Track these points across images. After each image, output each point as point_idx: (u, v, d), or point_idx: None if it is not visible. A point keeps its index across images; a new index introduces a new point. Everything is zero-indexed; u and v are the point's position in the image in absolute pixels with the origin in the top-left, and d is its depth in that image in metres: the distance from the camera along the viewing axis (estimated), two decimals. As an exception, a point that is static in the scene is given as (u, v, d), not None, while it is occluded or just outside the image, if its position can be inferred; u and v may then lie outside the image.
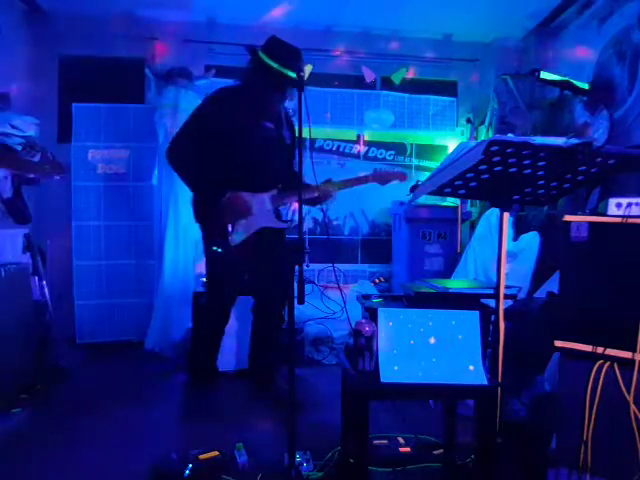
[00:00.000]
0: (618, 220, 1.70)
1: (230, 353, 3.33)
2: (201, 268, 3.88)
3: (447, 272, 3.97)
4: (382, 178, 2.98)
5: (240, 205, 2.68)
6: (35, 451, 2.31)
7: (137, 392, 3.08)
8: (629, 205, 1.73)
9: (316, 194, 2.61)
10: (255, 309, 3.00)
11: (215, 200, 2.65)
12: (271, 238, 2.80)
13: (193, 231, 3.35)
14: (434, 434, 2.37)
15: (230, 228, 2.67)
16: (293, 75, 2.57)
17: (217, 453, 2.17)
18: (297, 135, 2.53)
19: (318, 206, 2.88)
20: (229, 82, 4.42)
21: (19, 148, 3.06)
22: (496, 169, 1.83)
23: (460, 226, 4.12)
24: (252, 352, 3.05)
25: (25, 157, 3.09)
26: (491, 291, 2.01)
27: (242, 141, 2.66)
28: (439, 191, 2.04)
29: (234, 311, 3.03)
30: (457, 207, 4.10)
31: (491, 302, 2.01)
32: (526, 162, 1.80)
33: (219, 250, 2.67)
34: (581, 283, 1.77)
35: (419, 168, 4.78)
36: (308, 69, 4.35)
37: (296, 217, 1.99)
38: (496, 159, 1.76)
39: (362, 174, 3.08)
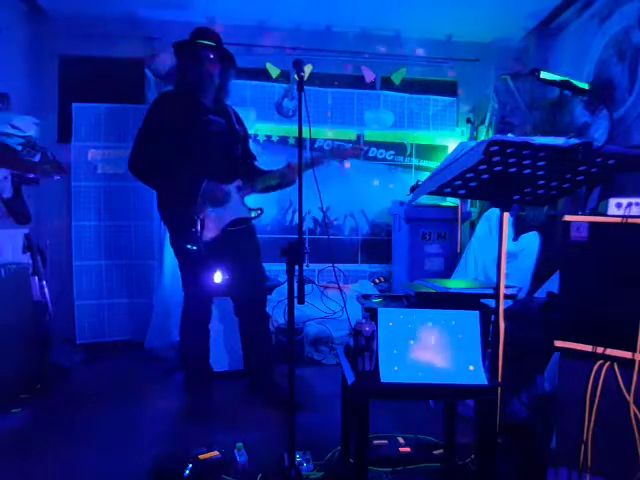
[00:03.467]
0: (618, 220, 1.70)
1: (229, 353, 3.33)
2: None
3: (447, 272, 3.97)
4: (338, 155, 2.94)
5: (218, 192, 2.68)
6: (35, 451, 2.32)
7: (137, 392, 3.08)
8: (629, 205, 1.73)
9: (276, 181, 2.79)
10: (237, 311, 2.99)
11: (194, 194, 2.62)
12: (241, 236, 2.80)
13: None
14: (434, 434, 2.37)
15: (199, 226, 2.64)
16: (202, 41, 2.71)
17: (217, 453, 2.17)
18: (240, 128, 2.88)
19: (279, 190, 2.93)
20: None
21: (19, 148, 3.06)
22: (496, 169, 1.83)
23: (460, 226, 4.12)
24: (245, 354, 3.05)
25: (25, 157, 3.09)
26: (491, 291, 2.01)
27: (197, 136, 2.68)
28: (439, 191, 2.04)
29: (233, 311, 3.03)
30: (457, 207, 4.10)
31: (491, 302, 2.01)
32: (526, 162, 1.80)
33: (194, 248, 2.63)
34: (581, 283, 1.77)
35: (419, 168, 4.79)
36: (308, 69, 4.36)
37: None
38: (496, 159, 1.76)
39: (316, 154, 3.08)
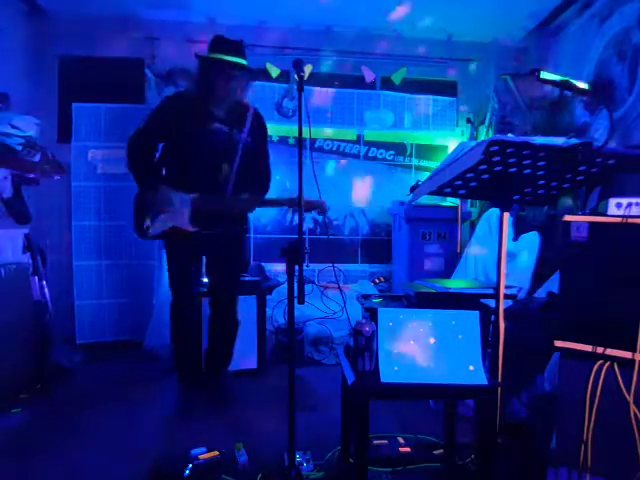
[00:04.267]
0: (618, 220, 1.70)
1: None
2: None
3: (447, 272, 3.97)
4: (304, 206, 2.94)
5: (159, 200, 2.74)
6: (35, 451, 2.32)
7: (137, 392, 3.08)
8: (629, 205, 1.73)
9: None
10: (210, 308, 3.03)
11: (147, 188, 2.80)
12: (219, 240, 2.80)
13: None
14: (434, 434, 2.37)
15: (149, 221, 2.80)
16: (233, 59, 2.67)
17: (217, 453, 2.17)
18: (262, 137, 2.96)
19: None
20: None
21: (19, 148, 3.06)
22: (496, 169, 1.83)
23: (460, 226, 4.12)
24: (207, 351, 3.06)
25: (25, 157, 3.09)
26: (491, 291, 2.01)
27: (184, 142, 2.74)
28: (439, 191, 2.04)
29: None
30: (457, 207, 4.10)
31: (491, 302, 2.01)
32: (526, 162, 1.80)
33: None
34: (581, 283, 1.77)
35: (419, 168, 4.78)
36: (308, 69, 4.36)
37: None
38: (496, 159, 1.76)
39: (284, 198, 3.05)
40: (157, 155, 2.88)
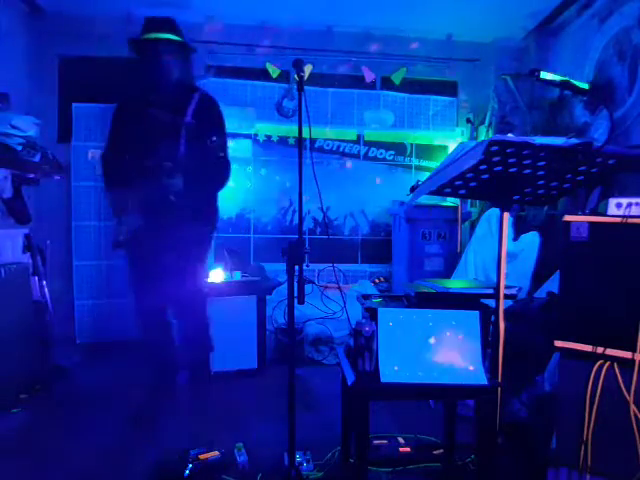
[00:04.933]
0: (618, 220, 1.70)
1: (230, 353, 3.33)
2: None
3: (447, 272, 3.97)
4: None
5: (123, 199, 2.52)
6: (35, 451, 2.32)
7: (136, 392, 3.08)
8: (629, 205, 1.73)
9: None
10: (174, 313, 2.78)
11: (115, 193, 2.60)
12: (172, 234, 2.54)
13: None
14: (434, 434, 2.37)
15: (118, 225, 2.56)
16: (158, 35, 2.50)
17: (217, 453, 2.17)
18: (214, 123, 2.63)
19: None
20: (229, 82, 4.51)
21: (19, 148, 3.06)
22: (496, 169, 1.83)
23: (460, 226, 4.12)
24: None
25: (25, 157, 3.09)
26: (491, 291, 2.01)
27: (127, 132, 2.57)
28: (439, 191, 2.04)
29: (233, 310, 3.02)
30: (457, 207, 4.10)
31: (491, 302, 2.01)
32: (526, 162, 1.80)
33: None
34: (581, 283, 1.77)
35: (419, 168, 4.79)
36: (308, 69, 4.36)
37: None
38: (496, 159, 1.76)
39: None
40: None
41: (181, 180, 2.47)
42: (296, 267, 1.86)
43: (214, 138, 2.53)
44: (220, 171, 2.66)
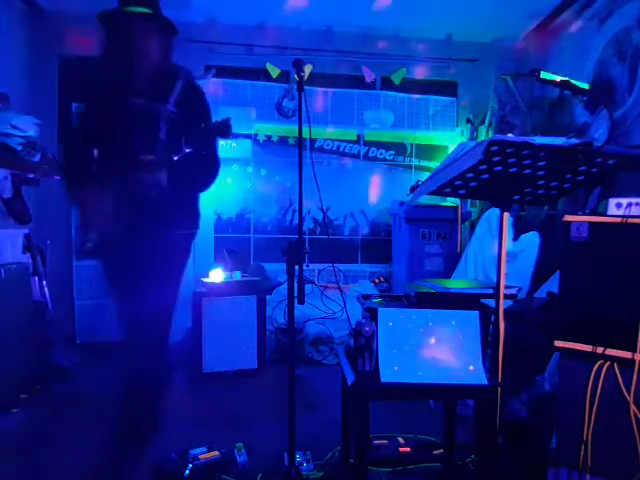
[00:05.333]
0: (618, 220, 1.70)
1: (230, 353, 3.33)
2: (201, 269, 3.89)
3: (447, 272, 3.97)
4: None
5: (91, 199, 2.03)
6: (35, 451, 2.32)
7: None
8: (629, 205, 1.73)
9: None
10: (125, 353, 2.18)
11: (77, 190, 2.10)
12: (150, 240, 2.05)
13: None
14: (434, 434, 2.37)
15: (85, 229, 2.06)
16: (131, 9, 2.16)
17: (217, 453, 2.17)
18: (203, 114, 2.19)
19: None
20: (229, 82, 4.52)
21: (19, 148, 3.06)
22: (496, 169, 1.83)
23: (460, 226, 4.12)
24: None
25: (25, 157, 3.09)
26: (491, 291, 2.01)
27: (98, 122, 2.14)
28: (439, 191, 2.04)
29: (233, 310, 3.02)
30: (457, 207, 4.10)
31: (491, 302, 2.01)
32: (526, 162, 1.79)
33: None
34: (581, 283, 1.76)
35: (419, 168, 4.79)
36: (308, 69, 4.36)
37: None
38: (496, 159, 1.76)
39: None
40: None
41: (165, 175, 2.06)
42: (296, 267, 1.86)
43: (203, 126, 2.13)
44: (207, 168, 2.24)
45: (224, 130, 2.06)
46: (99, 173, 2.11)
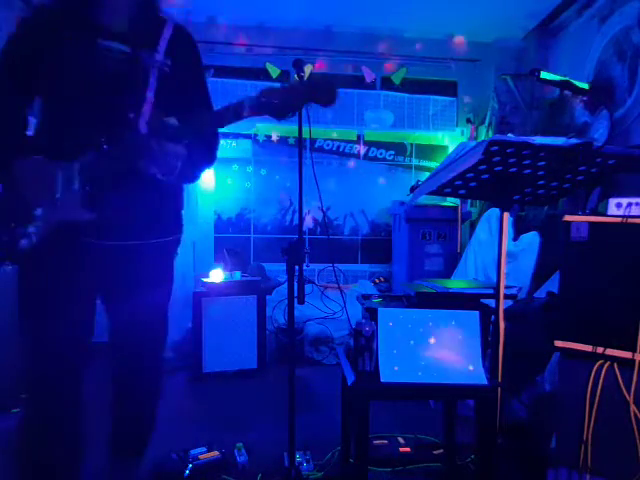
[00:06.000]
0: (618, 220, 1.70)
1: (230, 353, 3.33)
2: (201, 269, 3.89)
3: (447, 272, 3.97)
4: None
5: (37, 179, 1.44)
6: (35, 451, 2.31)
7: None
8: (629, 205, 1.73)
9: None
10: (113, 377, 1.95)
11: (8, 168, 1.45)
12: (129, 257, 1.61)
13: (190, 230, 3.35)
14: (434, 434, 2.37)
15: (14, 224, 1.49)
16: None
17: (217, 453, 2.17)
18: (196, 69, 1.71)
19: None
20: (229, 82, 4.52)
21: (19, 148, 3.04)
22: (496, 169, 1.83)
23: (460, 226, 4.12)
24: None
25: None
26: (491, 291, 2.01)
27: (58, 72, 1.52)
28: (439, 191, 2.04)
29: (233, 310, 3.01)
30: (457, 207, 4.10)
31: (491, 302, 2.01)
32: (526, 162, 1.80)
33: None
34: (581, 283, 1.76)
35: (419, 168, 4.79)
36: (308, 69, 4.36)
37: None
38: (496, 159, 1.76)
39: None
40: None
41: (152, 151, 1.44)
42: (296, 267, 1.86)
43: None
44: (208, 133, 1.72)
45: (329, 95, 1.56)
46: (47, 141, 1.53)
